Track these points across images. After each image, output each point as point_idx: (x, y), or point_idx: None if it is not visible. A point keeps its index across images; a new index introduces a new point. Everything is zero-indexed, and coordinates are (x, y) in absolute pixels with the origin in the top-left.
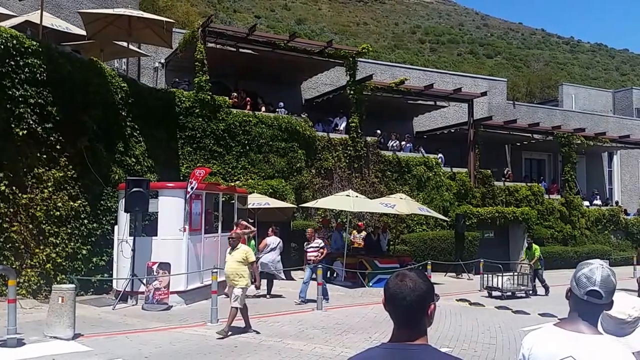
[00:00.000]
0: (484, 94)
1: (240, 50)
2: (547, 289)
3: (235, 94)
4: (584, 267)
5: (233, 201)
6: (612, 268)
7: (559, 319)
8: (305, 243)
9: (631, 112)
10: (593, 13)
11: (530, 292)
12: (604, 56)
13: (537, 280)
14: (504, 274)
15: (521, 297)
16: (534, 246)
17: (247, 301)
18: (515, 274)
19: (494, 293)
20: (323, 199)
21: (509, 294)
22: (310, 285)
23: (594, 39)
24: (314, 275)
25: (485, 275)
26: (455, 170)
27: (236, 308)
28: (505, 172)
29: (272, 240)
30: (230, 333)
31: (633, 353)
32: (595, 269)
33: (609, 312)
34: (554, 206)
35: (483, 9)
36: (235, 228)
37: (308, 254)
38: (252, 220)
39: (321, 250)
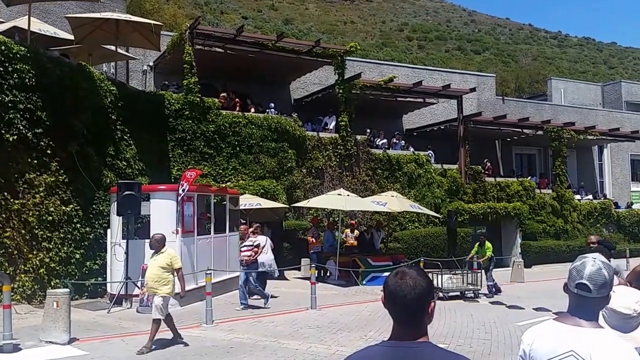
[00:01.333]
0: (472, 90)
1: (229, 51)
2: (492, 290)
3: (224, 94)
4: (577, 261)
5: (225, 202)
6: (607, 262)
7: (554, 313)
8: (240, 241)
9: (620, 105)
10: (580, 7)
11: (480, 291)
12: (592, 50)
13: (487, 278)
14: (443, 272)
15: (470, 298)
16: (487, 244)
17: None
18: (462, 272)
19: (439, 294)
20: (315, 199)
21: (456, 294)
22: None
23: (581, 32)
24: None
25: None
26: (446, 166)
27: (159, 320)
28: (484, 165)
29: (263, 239)
30: (154, 347)
31: (636, 348)
32: (587, 262)
33: (613, 307)
34: (545, 201)
35: (470, 5)
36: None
37: (241, 253)
38: (244, 221)
39: (255, 249)
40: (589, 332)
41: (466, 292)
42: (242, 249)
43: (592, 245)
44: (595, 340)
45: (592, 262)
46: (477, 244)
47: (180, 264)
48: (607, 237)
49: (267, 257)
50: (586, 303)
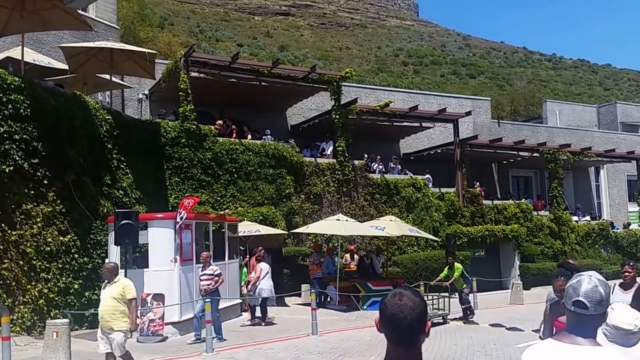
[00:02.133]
0: (468, 113)
1: (224, 79)
2: (467, 313)
3: (220, 122)
4: (574, 279)
5: (223, 230)
6: (603, 279)
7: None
8: (200, 269)
9: (616, 127)
10: (574, 29)
11: (448, 316)
12: (586, 72)
13: (463, 301)
14: None
15: (439, 324)
16: (456, 265)
17: (243, 329)
18: (432, 297)
19: None
20: (314, 224)
21: None
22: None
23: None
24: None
25: None
26: (443, 190)
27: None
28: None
29: (264, 266)
30: None
31: None
32: (583, 280)
33: (616, 323)
34: (543, 222)
35: (464, 30)
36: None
37: (201, 282)
38: (243, 249)
39: (215, 278)
40: (586, 350)
41: (432, 319)
42: (202, 278)
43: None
44: (593, 358)
45: (588, 280)
46: (447, 267)
47: (134, 294)
48: (605, 258)
49: (267, 285)
50: (583, 320)
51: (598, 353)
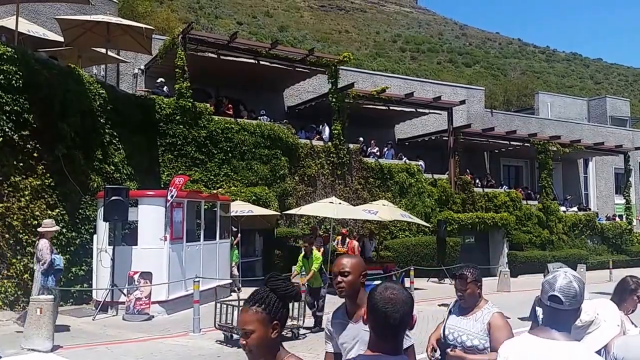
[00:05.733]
0: (462, 102)
1: (222, 57)
2: (319, 321)
3: (213, 98)
4: (549, 275)
5: (215, 209)
6: (578, 275)
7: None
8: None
9: (605, 120)
10: (568, 23)
11: (303, 326)
12: (578, 65)
13: (319, 307)
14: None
15: (289, 339)
16: (315, 254)
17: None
18: None
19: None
20: (306, 206)
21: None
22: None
23: (569, 48)
24: None
25: (217, 307)
26: (436, 176)
27: None
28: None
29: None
30: None
31: None
32: (558, 276)
33: None
34: (531, 212)
35: (462, 19)
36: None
37: None
38: (235, 229)
39: None
40: (561, 344)
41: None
42: None
43: None
44: (568, 353)
45: (564, 275)
46: (301, 255)
47: None
48: (591, 248)
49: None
50: (559, 315)
51: (571, 348)
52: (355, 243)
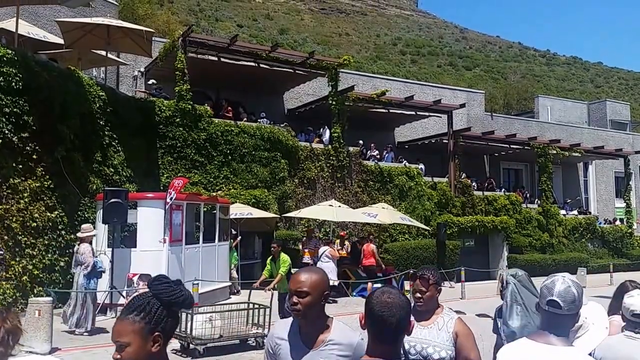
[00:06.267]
0: (462, 105)
1: (222, 60)
2: None
3: (212, 101)
4: (547, 280)
5: (215, 211)
6: (576, 280)
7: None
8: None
9: (605, 124)
10: (568, 27)
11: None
12: (579, 69)
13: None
14: (197, 312)
15: (253, 348)
16: (283, 257)
17: None
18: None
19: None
20: (306, 209)
21: (223, 343)
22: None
23: (569, 51)
24: None
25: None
26: (436, 179)
27: None
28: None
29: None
30: None
31: None
32: (556, 281)
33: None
34: (531, 215)
35: (462, 23)
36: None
37: None
38: (235, 232)
39: None
40: (559, 349)
41: (247, 339)
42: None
43: None
44: (565, 358)
45: (562, 280)
46: (269, 258)
47: None
48: (592, 252)
49: None
50: (557, 320)
51: (569, 353)
52: (372, 246)
